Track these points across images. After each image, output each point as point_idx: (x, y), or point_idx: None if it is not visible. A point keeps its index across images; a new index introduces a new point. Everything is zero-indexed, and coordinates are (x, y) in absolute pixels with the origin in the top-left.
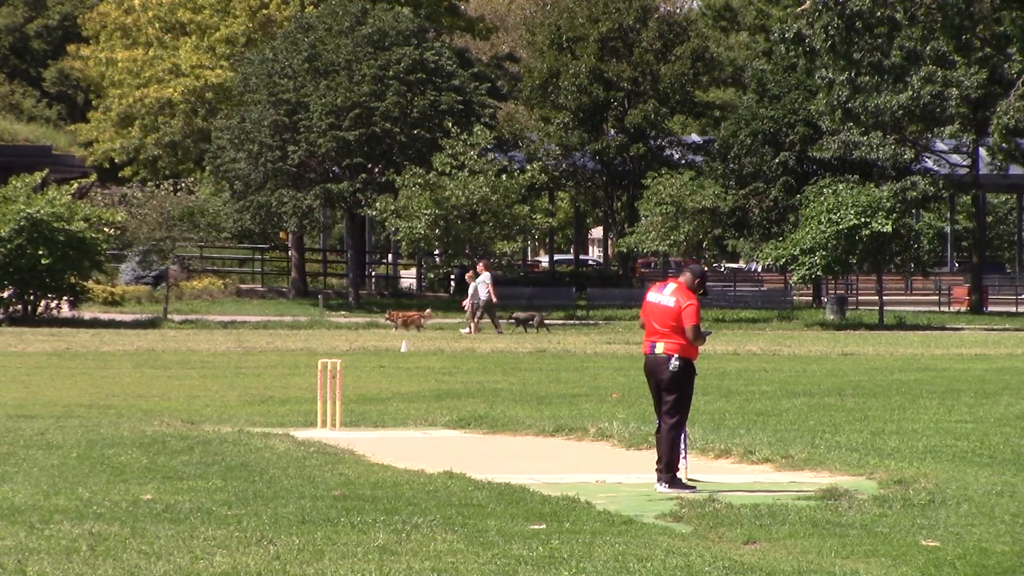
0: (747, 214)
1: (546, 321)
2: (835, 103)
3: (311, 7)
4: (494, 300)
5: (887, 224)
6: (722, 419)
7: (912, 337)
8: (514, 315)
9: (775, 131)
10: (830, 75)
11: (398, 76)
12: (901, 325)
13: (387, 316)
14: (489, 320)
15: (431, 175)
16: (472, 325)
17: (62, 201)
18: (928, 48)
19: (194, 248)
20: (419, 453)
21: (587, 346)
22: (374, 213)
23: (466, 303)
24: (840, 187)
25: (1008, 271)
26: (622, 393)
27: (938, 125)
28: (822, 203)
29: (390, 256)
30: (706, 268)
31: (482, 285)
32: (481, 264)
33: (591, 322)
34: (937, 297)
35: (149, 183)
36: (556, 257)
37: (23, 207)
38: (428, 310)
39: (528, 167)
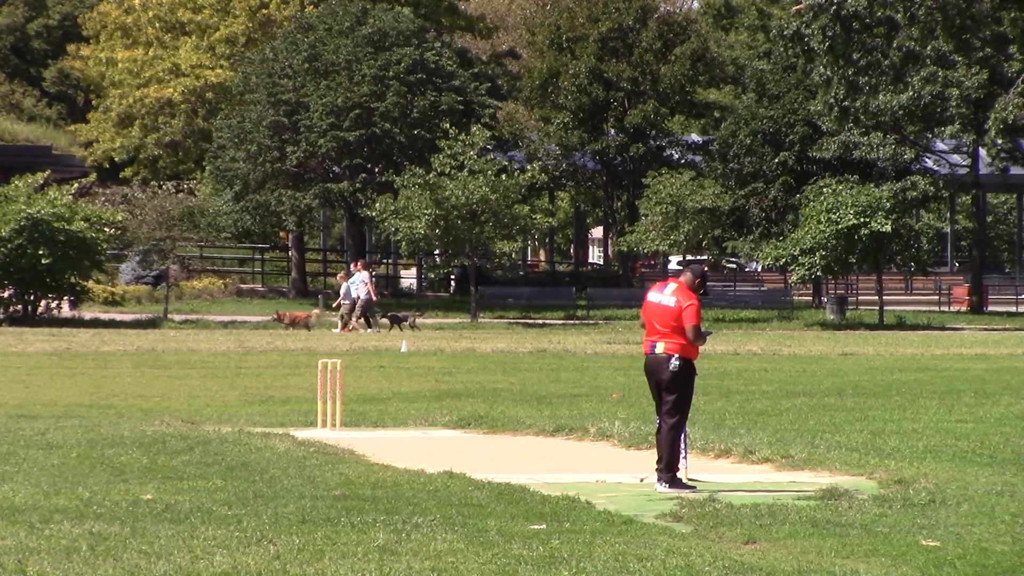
0: (747, 214)
1: (422, 319)
2: (832, 102)
3: (311, 7)
4: (373, 298)
5: (887, 224)
6: (722, 419)
7: (912, 337)
8: (389, 314)
9: (775, 131)
10: (828, 74)
11: (398, 76)
12: (901, 325)
13: (275, 316)
14: (363, 319)
15: (431, 175)
16: (351, 323)
17: (63, 201)
18: (928, 48)
19: (194, 248)
20: (419, 453)
21: (587, 346)
22: (374, 213)
23: (339, 303)
24: (840, 187)
25: (1008, 271)
26: (622, 393)
27: (938, 125)
28: (822, 203)
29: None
30: (707, 269)
31: (361, 285)
32: (359, 263)
33: (591, 322)
34: (937, 297)
35: (151, 183)
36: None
37: (24, 207)
38: (316, 311)
39: (528, 167)
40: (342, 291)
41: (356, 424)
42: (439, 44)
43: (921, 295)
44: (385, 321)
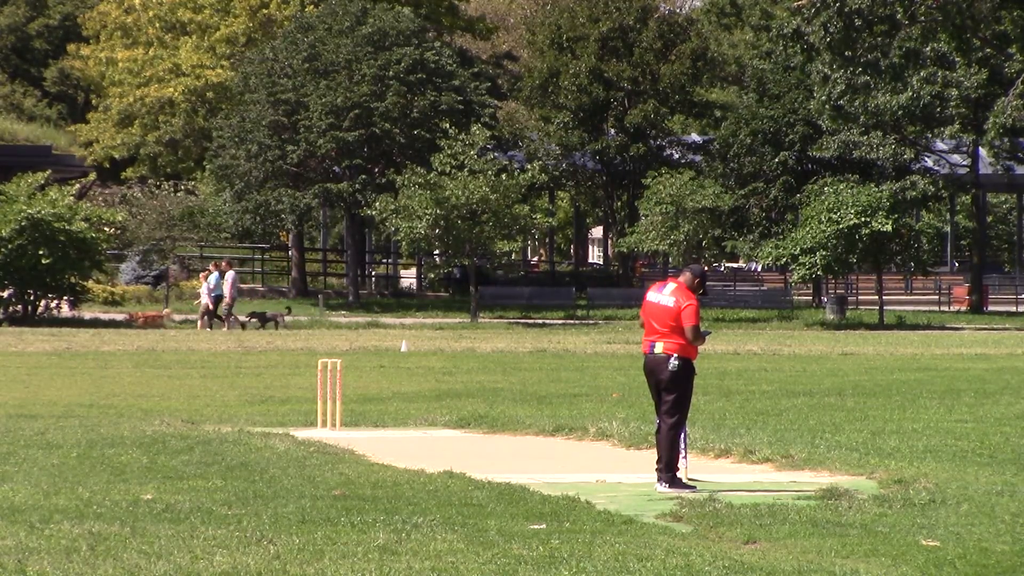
0: (747, 214)
1: (290, 319)
2: (826, 98)
3: (311, 7)
4: (232, 298)
5: (887, 224)
6: (722, 419)
7: (912, 337)
8: (257, 312)
9: (775, 131)
10: (825, 71)
11: (398, 76)
12: (901, 325)
13: (128, 317)
14: (221, 317)
15: (431, 175)
16: (201, 322)
17: (63, 201)
18: (928, 48)
19: (194, 248)
20: (419, 453)
21: (587, 346)
22: (374, 213)
23: (199, 302)
24: (840, 187)
25: (1008, 271)
26: (622, 393)
27: (938, 125)
28: (822, 202)
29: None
30: (706, 268)
31: (227, 284)
32: (224, 263)
33: (591, 322)
34: (937, 297)
35: (150, 181)
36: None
37: (24, 207)
38: (168, 310)
39: (528, 167)
40: (203, 290)
41: (356, 424)
42: (439, 44)
43: (921, 295)
44: (255, 321)
